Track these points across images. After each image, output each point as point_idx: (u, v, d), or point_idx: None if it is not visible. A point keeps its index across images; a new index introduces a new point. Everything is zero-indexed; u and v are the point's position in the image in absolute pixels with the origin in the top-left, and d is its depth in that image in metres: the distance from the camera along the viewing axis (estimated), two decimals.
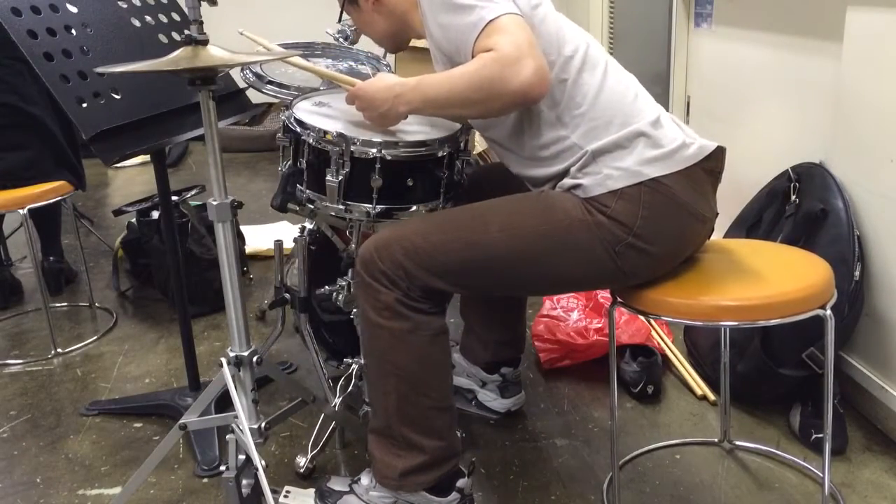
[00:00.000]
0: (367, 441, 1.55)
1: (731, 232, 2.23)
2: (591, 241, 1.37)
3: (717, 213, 1.50)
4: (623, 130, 1.40)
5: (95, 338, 2.48)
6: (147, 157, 3.52)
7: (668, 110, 1.54)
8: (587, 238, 1.37)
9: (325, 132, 1.50)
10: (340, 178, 1.50)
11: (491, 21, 1.33)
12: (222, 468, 1.43)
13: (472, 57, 1.35)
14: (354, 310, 1.76)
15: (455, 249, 1.40)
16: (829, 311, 1.37)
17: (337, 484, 1.59)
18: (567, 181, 1.42)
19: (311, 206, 1.57)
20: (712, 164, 1.44)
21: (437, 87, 1.39)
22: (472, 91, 1.34)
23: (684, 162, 1.40)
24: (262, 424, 1.47)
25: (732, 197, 2.24)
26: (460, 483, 1.54)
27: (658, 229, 1.38)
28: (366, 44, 2.15)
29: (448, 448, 1.52)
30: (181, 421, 1.52)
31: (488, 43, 1.32)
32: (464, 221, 1.43)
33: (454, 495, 1.54)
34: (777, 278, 1.42)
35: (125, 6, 1.80)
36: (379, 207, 1.53)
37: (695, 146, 1.42)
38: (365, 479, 1.56)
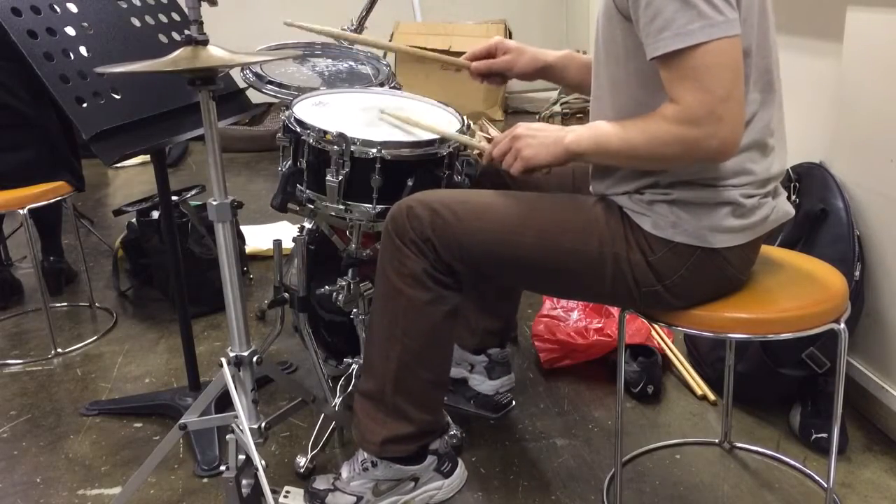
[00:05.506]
0: (355, 401, 1.56)
1: None
2: (616, 277, 1.34)
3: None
4: (717, 194, 1.28)
5: (95, 338, 2.48)
6: (147, 157, 3.51)
7: None
8: (612, 273, 1.34)
9: (325, 132, 1.50)
10: (340, 177, 1.50)
11: (698, 46, 1.13)
12: (222, 468, 1.43)
13: (646, 56, 1.18)
14: (354, 310, 1.76)
15: (484, 241, 1.38)
16: (842, 325, 1.35)
17: (322, 483, 1.60)
18: (629, 203, 1.34)
19: (311, 206, 1.57)
20: (779, 226, 1.37)
21: (610, 137, 1.28)
22: (646, 160, 1.27)
23: (757, 233, 1.32)
24: (262, 424, 1.47)
25: None
26: (433, 445, 1.56)
27: (690, 290, 1.33)
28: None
29: (434, 423, 1.55)
30: (181, 421, 1.52)
31: (678, 93, 1.16)
32: (501, 214, 1.39)
33: (430, 459, 1.57)
34: (792, 291, 1.39)
35: (125, 6, 1.80)
36: (379, 207, 1.53)
37: (774, 214, 1.33)
38: (345, 472, 1.58)
